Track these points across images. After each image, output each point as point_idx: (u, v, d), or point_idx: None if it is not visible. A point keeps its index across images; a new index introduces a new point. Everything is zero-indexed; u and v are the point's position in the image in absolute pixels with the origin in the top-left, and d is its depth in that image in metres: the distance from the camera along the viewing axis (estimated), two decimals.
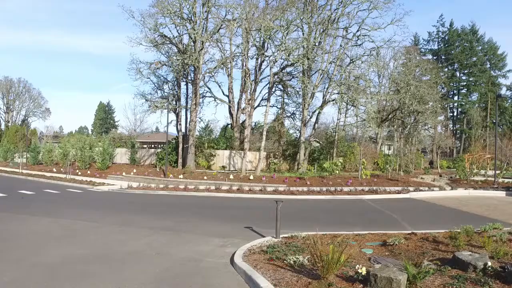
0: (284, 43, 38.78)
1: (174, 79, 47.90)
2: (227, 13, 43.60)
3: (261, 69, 45.84)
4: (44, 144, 66.05)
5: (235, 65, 51.09)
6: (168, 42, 44.54)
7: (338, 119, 51.40)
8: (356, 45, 43.10)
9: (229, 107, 51.41)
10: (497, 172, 37.70)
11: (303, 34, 42.12)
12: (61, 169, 48.02)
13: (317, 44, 42.04)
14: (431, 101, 54.37)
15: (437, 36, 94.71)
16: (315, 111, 46.75)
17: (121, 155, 54.13)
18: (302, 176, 36.84)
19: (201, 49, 42.58)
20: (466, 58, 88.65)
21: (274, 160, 48.78)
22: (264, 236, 14.30)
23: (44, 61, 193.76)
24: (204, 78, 46.97)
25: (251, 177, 35.73)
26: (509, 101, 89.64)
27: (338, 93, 42.78)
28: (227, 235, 15.08)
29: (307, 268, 9.99)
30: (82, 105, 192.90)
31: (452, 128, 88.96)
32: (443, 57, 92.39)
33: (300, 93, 47.08)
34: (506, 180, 38.01)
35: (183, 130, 47.64)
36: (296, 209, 22.13)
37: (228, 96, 51.21)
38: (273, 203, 14.33)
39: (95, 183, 36.88)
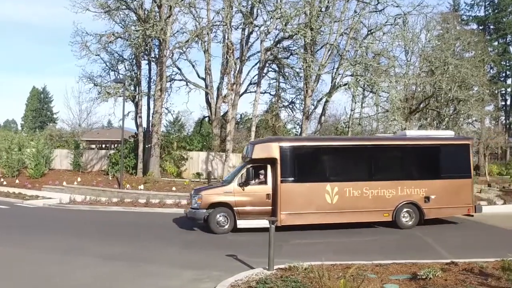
0: (280, 8, 38.72)
1: (133, 56, 47.66)
2: None
3: (249, 44, 45.81)
4: None
5: (214, 38, 50.90)
6: (124, 6, 44.25)
7: (352, 110, 51.44)
8: (376, 11, 43.13)
9: (206, 94, 51.20)
10: None
11: None
12: None
13: (323, 9, 42.01)
14: (476, 86, 54.49)
15: None
16: (321, 99, 46.76)
17: (62, 159, 53.81)
18: None
19: (169, 17, 42.36)
20: None
21: None
22: (252, 267, 14.24)
23: None
24: (172, 56, 46.80)
25: None
26: None
27: (351, 75, 42.79)
28: (203, 265, 15.03)
29: None
30: (8, 92, 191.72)
31: (504, 122, 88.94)
32: (492, 26, 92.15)
33: (301, 75, 47.03)
34: None
35: (145, 125, 47.44)
36: (295, 230, 22.08)
37: (204, 80, 51.05)
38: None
39: (26, 196, 36.61)
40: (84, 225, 24.56)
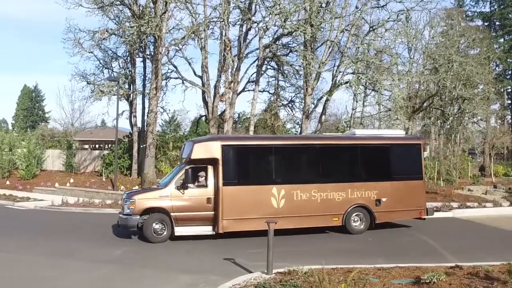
0: (279, 4, 38.68)
1: (127, 53, 47.63)
2: None
3: (247, 40, 45.65)
4: None
5: (211, 35, 50.54)
6: (118, 2, 44.14)
7: (353, 109, 51.43)
8: (378, 7, 43.12)
9: (203, 92, 50.95)
10: None
11: None
12: None
13: (324, 5, 41.96)
14: (482, 84, 54.49)
15: None
16: (321, 97, 46.70)
17: (54, 159, 53.80)
18: None
19: (164, 13, 42.28)
20: None
21: None
22: (251, 271, 14.25)
23: None
24: (168, 53, 46.61)
25: None
26: None
27: (353, 73, 42.74)
28: (200, 269, 15.08)
29: None
30: None
31: (510, 121, 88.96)
32: (497, 23, 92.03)
33: (300, 73, 46.99)
34: None
35: (139, 124, 47.37)
36: (293, 233, 22.05)
37: (201, 78, 50.81)
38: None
39: (17, 197, 36.48)
40: (77, 227, 24.53)
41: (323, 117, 47.64)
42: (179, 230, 20.45)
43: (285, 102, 54.04)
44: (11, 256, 16.91)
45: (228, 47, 42.86)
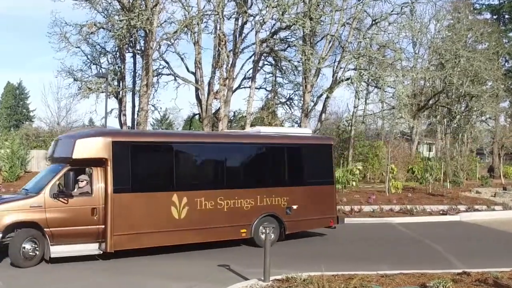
0: None
1: (116, 49, 47.44)
2: None
3: (243, 35, 45.57)
4: None
5: (205, 29, 50.29)
6: None
7: (355, 107, 51.44)
8: None
9: (196, 89, 50.75)
10: None
11: None
12: None
13: None
14: (490, 80, 54.48)
15: None
16: (321, 95, 46.65)
17: (39, 160, 53.43)
18: None
19: (155, 5, 42.10)
20: None
21: None
22: (247, 279, 14.18)
23: None
24: (159, 48, 46.40)
25: None
26: None
27: (354, 69, 42.73)
28: (193, 276, 15.01)
29: None
30: None
31: None
32: (506, 16, 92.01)
33: (299, 69, 46.82)
34: None
35: (129, 123, 47.21)
36: (292, 238, 22.02)
37: (194, 74, 50.63)
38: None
39: None
40: None
41: (323, 115, 47.54)
42: (57, 250, 16.92)
43: (283, 100, 53.94)
44: None
45: (222, 41, 42.72)
